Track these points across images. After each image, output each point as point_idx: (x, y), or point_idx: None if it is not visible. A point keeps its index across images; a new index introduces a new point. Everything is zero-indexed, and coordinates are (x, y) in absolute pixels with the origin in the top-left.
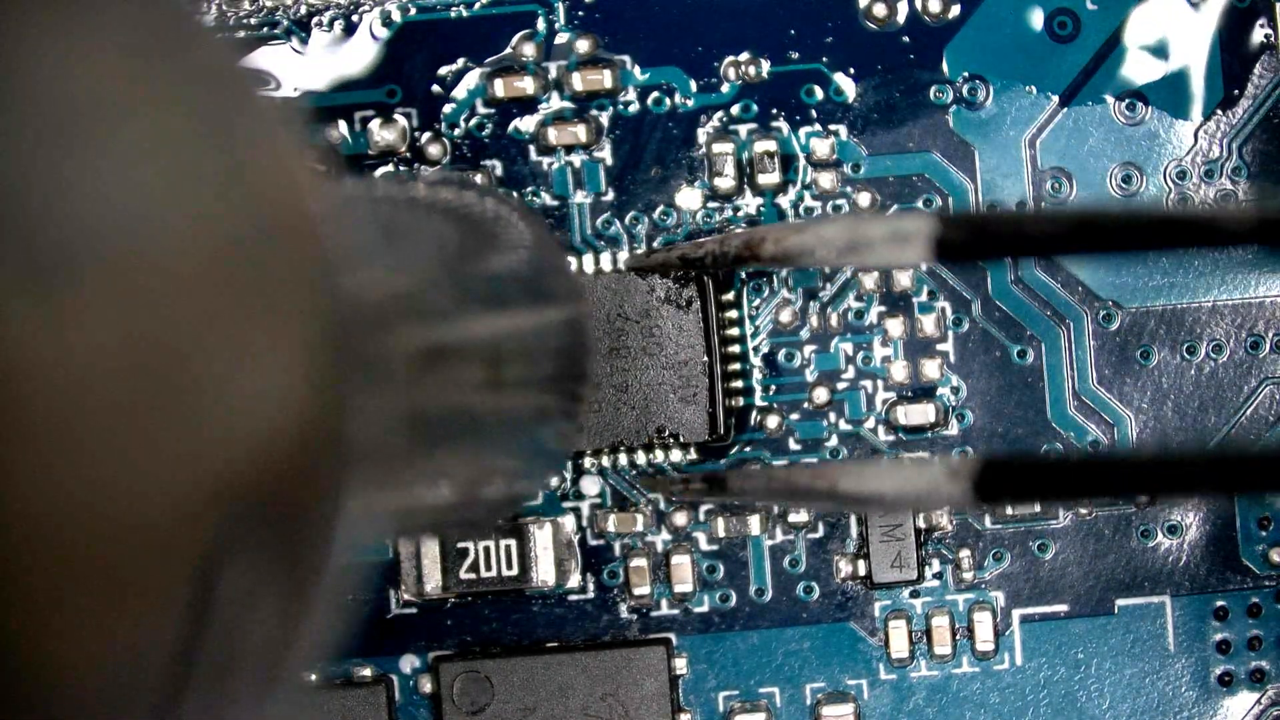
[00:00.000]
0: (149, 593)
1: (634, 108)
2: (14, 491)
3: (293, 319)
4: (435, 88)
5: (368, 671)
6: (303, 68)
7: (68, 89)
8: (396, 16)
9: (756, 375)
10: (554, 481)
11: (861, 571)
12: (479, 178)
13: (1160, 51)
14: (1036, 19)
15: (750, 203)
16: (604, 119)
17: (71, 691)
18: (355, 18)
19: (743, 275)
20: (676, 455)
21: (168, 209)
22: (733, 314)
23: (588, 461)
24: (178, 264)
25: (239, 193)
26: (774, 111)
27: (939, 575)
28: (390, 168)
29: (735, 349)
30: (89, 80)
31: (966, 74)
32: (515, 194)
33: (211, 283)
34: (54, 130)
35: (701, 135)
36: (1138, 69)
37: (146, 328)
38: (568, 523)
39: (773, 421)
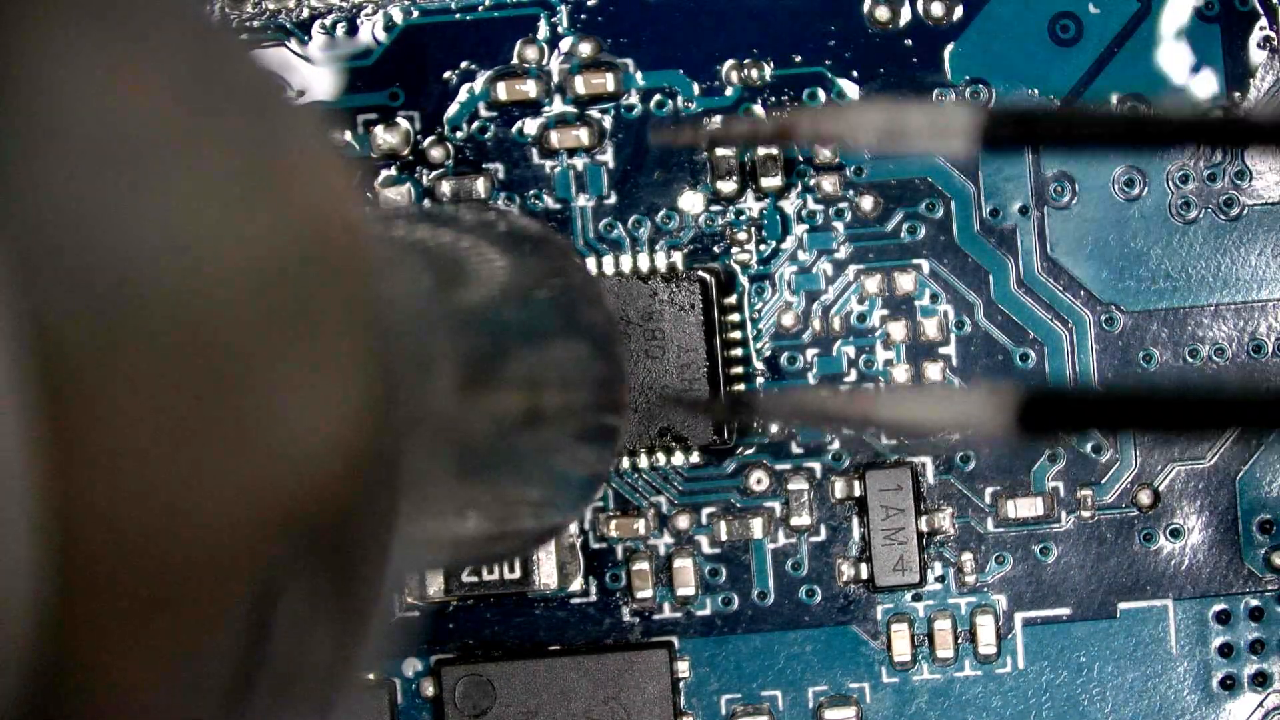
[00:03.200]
0: (207, 619)
1: (636, 111)
2: (78, 515)
3: (346, 350)
4: (437, 91)
5: (370, 674)
6: (304, 70)
7: (120, 120)
8: (399, 19)
9: (759, 378)
10: (585, 512)
11: (864, 574)
12: (513, 208)
13: (1162, 54)
14: (1039, 22)
15: (753, 206)
16: (606, 122)
17: (130, 713)
18: (358, 20)
19: (744, 279)
20: (679, 458)
21: (221, 242)
22: (735, 316)
23: (604, 484)
24: (233, 296)
25: (293, 223)
26: (776, 115)
27: (941, 578)
28: (394, 171)
29: (738, 352)
30: (140, 113)
31: (969, 77)
32: (533, 207)
33: (267, 315)
34: (109, 163)
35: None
36: (1139, 72)
37: (205, 360)
38: (570, 526)
39: (775, 425)
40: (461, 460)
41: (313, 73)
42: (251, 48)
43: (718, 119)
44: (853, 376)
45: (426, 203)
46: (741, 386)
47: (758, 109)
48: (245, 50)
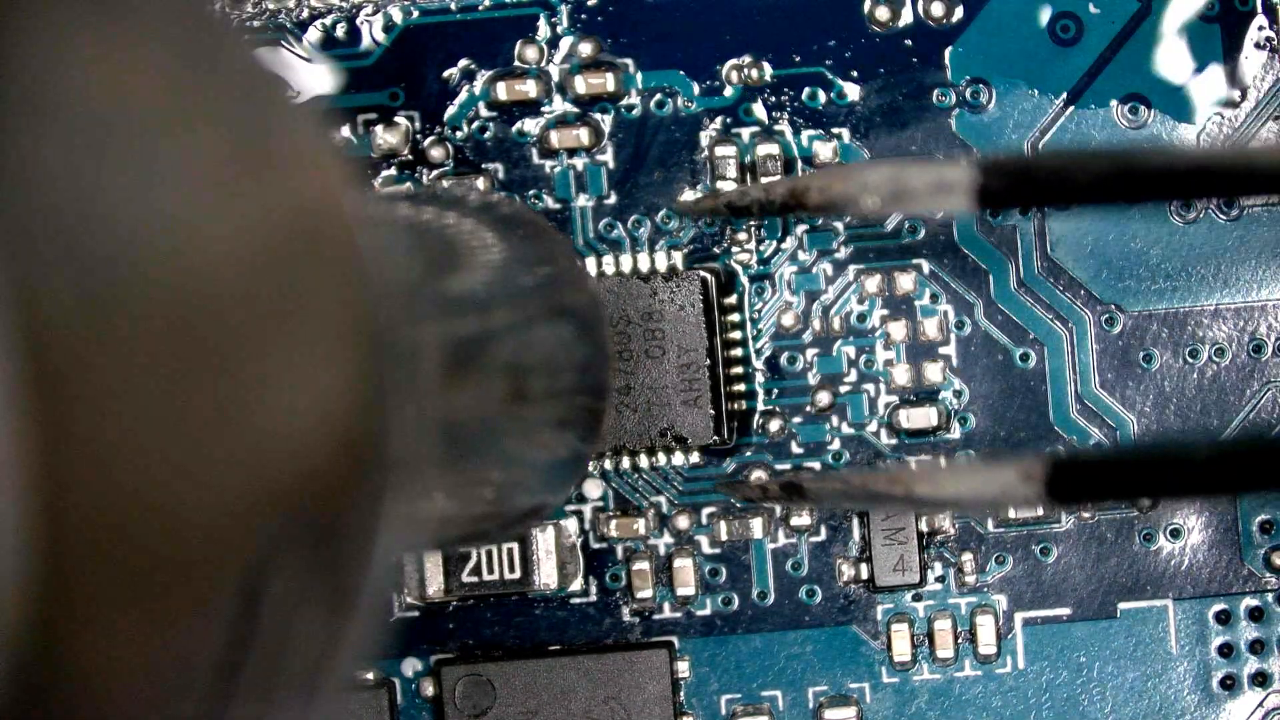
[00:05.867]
0: (196, 601)
1: (636, 111)
2: (65, 496)
3: (335, 331)
4: (437, 90)
5: (370, 674)
6: (304, 70)
7: (111, 103)
8: (398, 19)
9: (759, 378)
10: (570, 493)
11: (864, 575)
12: (487, 190)
13: (1163, 54)
14: (1039, 22)
15: None
16: (606, 122)
17: (115, 698)
18: (357, 20)
19: (744, 279)
20: (679, 458)
21: (211, 222)
22: (735, 316)
23: (590, 464)
24: (222, 277)
25: (281, 205)
26: (776, 115)
27: (941, 578)
28: (393, 171)
29: (738, 352)
30: (132, 93)
31: (969, 77)
32: (533, 207)
33: (256, 296)
34: (99, 143)
35: (704, 138)
36: (1140, 72)
37: (193, 341)
38: (570, 526)
39: (775, 425)
40: (448, 441)
41: (312, 73)
42: (245, 34)
43: (732, 188)
44: (853, 377)
45: (409, 185)
46: (742, 386)
47: (770, 179)
48: (238, 37)
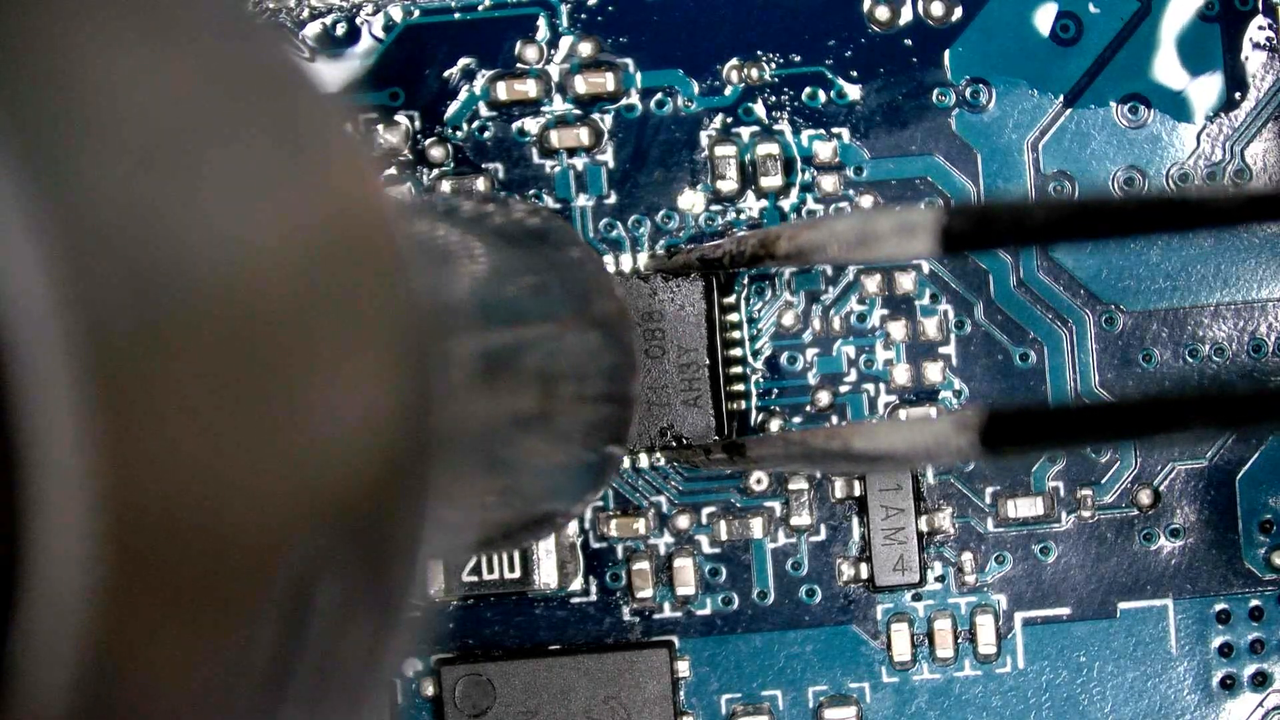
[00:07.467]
0: (251, 605)
1: (636, 110)
2: (129, 504)
3: (381, 340)
4: (437, 90)
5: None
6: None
7: (162, 113)
8: (398, 18)
9: (758, 378)
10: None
11: (864, 574)
12: (507, 197)
13: (1162, 54)
14: (1039, 22)
15: (752, 205)
16: (606, 122)
17: (173, 706)
18: (357, 20)
19: (744, 279)
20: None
21: (260, 233)
22: (734, 316)
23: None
24: (276, 285)
25: (327, 214)
26: (776, 114)
27: (941, 578)
28: (394, 171)
29: (737, 352)
30: (182, 103)
31: (969, 77)
32: (561, 216)
33: (308, 304)
34: (152, 156)
35: (704, 138)
36: (1140, 72)
37: (249, 350)
38: (570, 526)
39: (774, 425)
40: (481, 449)
41: (312, 72)
42: (283, 36)
43: (707, 244)
44: (853, 376)
45: (445, 192)
46: (741, 385)
47: (741, 231)
48: (278, 40)
